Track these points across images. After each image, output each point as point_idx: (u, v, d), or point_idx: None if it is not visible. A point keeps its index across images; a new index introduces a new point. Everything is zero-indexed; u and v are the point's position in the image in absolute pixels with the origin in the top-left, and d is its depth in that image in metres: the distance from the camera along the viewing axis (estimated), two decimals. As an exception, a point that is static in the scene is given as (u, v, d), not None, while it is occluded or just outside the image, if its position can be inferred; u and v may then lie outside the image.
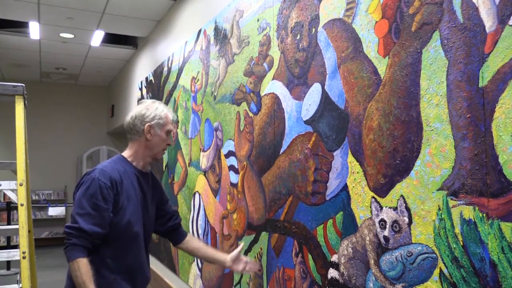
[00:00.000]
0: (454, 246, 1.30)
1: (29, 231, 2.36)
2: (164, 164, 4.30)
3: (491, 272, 1.19)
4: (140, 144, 1.83)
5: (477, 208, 1.23)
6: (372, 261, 1.61)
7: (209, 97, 3.15)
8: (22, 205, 2.30)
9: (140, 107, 1.84)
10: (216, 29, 3.05)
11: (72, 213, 1.69)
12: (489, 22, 1.21)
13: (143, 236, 1.85)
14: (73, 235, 1.65)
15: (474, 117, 1.25)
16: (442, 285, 1.33)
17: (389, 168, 1.54)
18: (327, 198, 1.86)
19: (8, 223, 5.99)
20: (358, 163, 1.69)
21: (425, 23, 1.41)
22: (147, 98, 4.99)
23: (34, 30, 5.14)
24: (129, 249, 1.79)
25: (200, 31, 3.38)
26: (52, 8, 4.46)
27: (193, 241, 2.09)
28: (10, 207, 6.00)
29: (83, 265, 1.63)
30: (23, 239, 2.23)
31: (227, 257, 1.98)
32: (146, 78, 5.11)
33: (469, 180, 1.26)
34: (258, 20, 2.47)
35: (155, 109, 1.82)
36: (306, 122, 2.01)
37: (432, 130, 1.38)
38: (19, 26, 5.27)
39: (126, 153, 1.87)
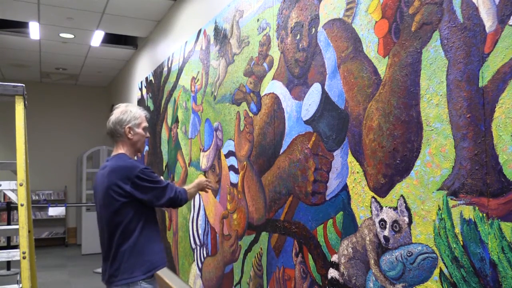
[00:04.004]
0: (454, 246, 1.30)
1: (29, 231, 2.36)
2: (164, 164, 4.30)
3: (491, 272, 1.19)
4: (125, 143, 2.14)
5: (477, 208, 1.23)
6: (372, 261, 1.61)
7: (209, 97, 3.15)
8: (22, 205, 2.30)
9: (117, 114, 2.13)
10: (216, 29, 3.05)
11: (161, 189, 2.06)
12: (489, 22, 1.21)
13: None
14: (174, 189, 2.10)
15: (474, 117, 1.25)
16: (442, 285, 1.33)
17: (389, 168, 1.54)
18: (327, 198, 1.86)
19: (8, 223, 5.98)
20: (358, 163, 1.69)
21: (425, 23, 1.41)
22: (147, 98, 4.99)
23: (34, 30, 5.14)
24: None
25: (200, 31, 3.38)
26: (52, 8, 4.46)
27: None
28: (10, 207, 6.00)
29: (187, 188, 2.21)
30: (23, 239, 2.23)
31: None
32: (146, 78, 5.11)
33: (469, 180, 1.26)
34: (258, 20, 2.47)
35: (129, 112, 2.13)
36: (306, 122, 2.01)
37: (432, 130, 1.38)
38: (19, 26, 5.27)
39: (123, 151, 2.16)
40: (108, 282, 2.04)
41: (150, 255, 2.04)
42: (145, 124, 2.20)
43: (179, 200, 2.12)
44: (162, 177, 2.20)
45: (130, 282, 1.97)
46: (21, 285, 2.22)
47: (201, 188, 2.35)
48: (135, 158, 2.23)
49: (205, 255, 3.22)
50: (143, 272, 2.00)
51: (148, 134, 2.24)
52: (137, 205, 2.04)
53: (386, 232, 1.54)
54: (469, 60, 1.26)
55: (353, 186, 1.71)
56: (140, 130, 2.15)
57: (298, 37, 2.09)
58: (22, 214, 2.28)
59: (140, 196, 2.02)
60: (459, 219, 1.28)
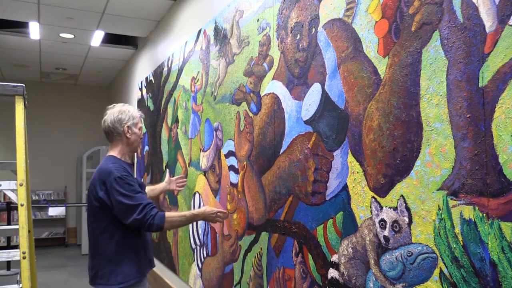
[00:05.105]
0: (454, 246, 1.30)
1: (29, 231, 2.36)
2: (164, 164, 4.30)
3: (491, 272, 1.19)
4: (122, 142, 2.14)
5: (477, 208, 1.23)
6: (372, 261, 1.61)
7: (209, 97, 3.15)
8: (22, 205, 2.30)
9: (115, 113, 2.13)
10: (216, 29, 3.05)
11: (128, 206, 1.92)
12: (489, 22, 1.21)
13: None
14: (145, 212, 1.93)
15: (474, 117, 1.25)
16: (442, 285, 1.33)
17: (389, 168, 1.54)
18: (327, 198, 1.86)
19: (8, 223, 5.98)
20: (358, 163, 1.69)
21: (425, 23, 1.41)
22: (147, 98, 4.99)
23: (34, 30, 5.14)
24: None
25: (200, 31, 3.38)
26: (52, 8, 4.46)
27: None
28: (10, 207, 6.00)
29: (169, 216, 2.00)
30: (23, 239, 2.23)
31: (164, 183, 2.61)
32: (146, 78, 5.11)
33: (469, 180, 1.26)
34: (258, 20, 2.47)
35: (127, 112, 2.14)
36: (306, 122, 2.01)
37: (432, 130, 1.38)
38: (19, 26, 5.27)
39: (114, 152, 2.15)
40: (90, 280, 2.08)
41: (125, 267, 2.00)
42: (141, 124, 2.21)
43: (148, 225, 1.93)
44: (141, 194, 2.02)
45: None
46: (21, 285, 2.22)
47: (208, 220, 2.20)
48: (129, 159, 2.20)
49: (205, 255, 3.22)
50: (118, 282, 1.98)
51: (142, 135, 2.25)
52: (111, 214, 1.99)
53: (386, 232, 1.54)
54: (469, 60, 1.26)
55: (353, 186, 1.71)
56: (137, 130, 2.17)
57: (298, 37, 2.09)
58: (22, 214, 2.28)
59: (110, 207, 1.97)
60: (459, 219, 1.28)
